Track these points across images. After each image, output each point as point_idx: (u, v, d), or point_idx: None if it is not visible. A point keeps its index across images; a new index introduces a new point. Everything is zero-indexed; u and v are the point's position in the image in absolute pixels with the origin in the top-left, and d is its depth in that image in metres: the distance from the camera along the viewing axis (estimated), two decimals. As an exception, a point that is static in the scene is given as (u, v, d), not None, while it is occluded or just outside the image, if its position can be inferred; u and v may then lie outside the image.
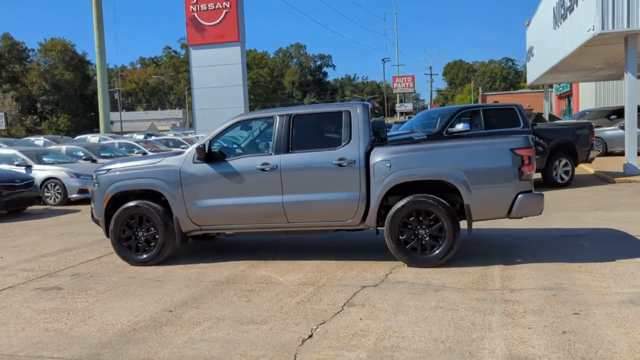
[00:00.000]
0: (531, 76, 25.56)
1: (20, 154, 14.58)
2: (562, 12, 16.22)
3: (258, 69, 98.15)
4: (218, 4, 27.08)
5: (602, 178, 13.60)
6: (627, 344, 3.86)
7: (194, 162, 6.62)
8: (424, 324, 4.43)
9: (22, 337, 4.53)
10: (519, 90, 64.41)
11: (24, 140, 24.48)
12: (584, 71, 21.24)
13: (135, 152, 18.31)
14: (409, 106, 60.43)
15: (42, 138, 25.19)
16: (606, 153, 18.79)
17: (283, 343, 4.18)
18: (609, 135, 18.91)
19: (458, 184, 5.96)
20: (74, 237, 9.06)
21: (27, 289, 6.00)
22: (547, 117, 24.29)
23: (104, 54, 28.14)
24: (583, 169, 15.33)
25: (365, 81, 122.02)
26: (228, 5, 26.96)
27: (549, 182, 12.31)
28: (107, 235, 6.99)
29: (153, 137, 24.42)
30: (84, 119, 70.59)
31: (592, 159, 13.14)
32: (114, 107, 78.47)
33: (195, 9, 27.42)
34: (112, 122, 69.58)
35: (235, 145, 7.01)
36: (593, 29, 12.58)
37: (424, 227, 6.08)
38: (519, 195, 5.95)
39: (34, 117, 68.75)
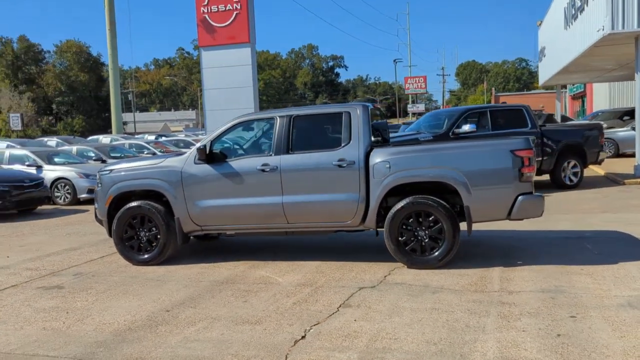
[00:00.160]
0: (543, 77, 25.35)
1: (31, 154, 14.77)
2: (573, 12, 16.07)
3: (270, 70, 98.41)
4: (229, 5, 27.16)
5: (613, 180, 13.44)
6: (621, 348, 3.81)
7: (195, 163, 6.66)
8: (418, 325, 4.41)
9: (20, 336, 4.59)
10: (532, 91, 63.86)
11: (37, 141, 24.79)
12: (596, 72, 21.01)
13: (145, 152, 18.46)
14: (421, 107, 60.16)
15: (54, 139, 25.50)
16: (618, 154, 18.57)
17: (275, 343, 4.19)
18: (620, 137, 18.68)
19: (457, 186, 5.93)
20: (80, 237, 9.16)
21: (29, 288, 6.08)
22: (559, 118, 24.11)
23: (116, 55, 28.40)
24: (593, 170, 15.16)
25: (377, 82, 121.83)
26: (239, 7, 27.02)
27: (557, 184, 12.20)
28: (110, 235, 7.05)
29: (163, 138, 24.60)
30: (99, 119, 71.25)
31: (602, 160, 12.99)
32: (127, 108, 79.21)
33: (206, 11, 27.54)
34: (126, 123, 70.36)
35: (236, 146, 7.04)
36: (603, 29, 12.44)
37: (423, 228, 6.05)
38: (519, 197, 5.90)
39: (50, 118, 69.56)
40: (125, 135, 28.61)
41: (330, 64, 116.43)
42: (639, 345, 3.84)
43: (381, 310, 4.81)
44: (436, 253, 6.01)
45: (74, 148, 17.34)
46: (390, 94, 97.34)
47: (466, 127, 11.20)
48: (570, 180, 12.26)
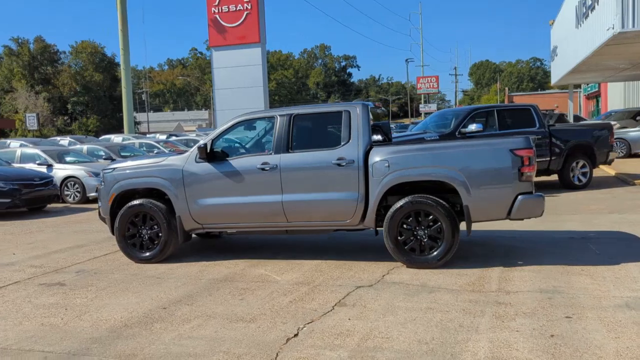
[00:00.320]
0: (555, 76, 25.11)
1: (42, 153, 14.95)
2: (584, 10, 15.90)
3: (283, 70, 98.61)
4: (239, 5, 27.28)
5: (623, 180, 13.27)
6: (615, 349, 3.76)
7: (196, 162, 6.69)
8: (412, 325, 4.40)
9: (18, 331, 4.65)
10: (546, 91, 63.23)
11: (50, 140, 25.10)
12: (608, 71, 20.76)
13: (155, 151, 18.59)
14: (433, 107, 59.91)
15: (67, 138, 25.79)
16: (630, 155, 18.33)
17: (268, 341, 4.20)
18: (632, 137, 18.44)
19: (456, 185, 5.90)
20: (86, 235, 9.26)
21: (31, 285, 6.16)
22: (571, 118, 23.86)
23: (128, 56, 28.66)
24: (604, 170, 14.99)
25: (390, 82, 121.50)
26: (249, 7, 27.14)
27: (565, 184, 12.07)
28: (113, 233, 7.12)
29: (174, 138, 24.77)
30: (113, 119, 71.92)
31: (612, 160, 12.83)
32: (141, 108, 79.82)
33: (217, 11, 27.69)
34: (139, 123, 71.00)
35: (236, 145, 7.07)
36: (613, 28, 12.29)
37: (422, 227, 6.03)
38: (519, 197, 5.85)
39: (65, 117, 70.31)
40: (137, 134, 28.87)
41: (343, 63, 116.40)
42: (633, 347, 3.79)
43: (376, 309, 4.80)
44: (435, 253, 5.98)
45: (85, 147, 17.54)
46: (403, 94, 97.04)
47: (473, 127, 11.12)
48: (579, 181, 12.12)
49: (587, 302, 4.73)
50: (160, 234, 6.83)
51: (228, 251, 7.45)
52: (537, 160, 11.51)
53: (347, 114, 6.36)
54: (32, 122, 51.89)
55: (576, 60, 17.96)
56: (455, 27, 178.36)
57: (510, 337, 4.05)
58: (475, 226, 7.21)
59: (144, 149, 19.04)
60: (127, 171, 7.03)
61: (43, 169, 14.11)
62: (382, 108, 7.44)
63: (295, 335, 4.31)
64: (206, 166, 6.64)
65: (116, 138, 24.58)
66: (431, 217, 5.98)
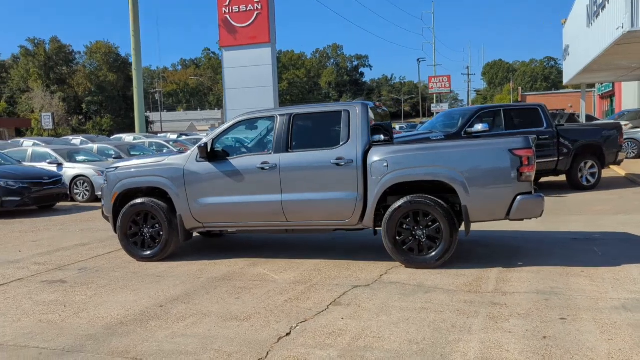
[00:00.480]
0: (567, 75, 24.82)
1: (52, 152, 15.14)
2: (595, 9, 15.70)
3: (295, 70, 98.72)
4: (250, 5, 27.37)
5: (632, 181, 13.11)
6: (607, 351, 3.72)
7: (196, 161, 6.73)
8: (404, 325, 4.39)
9: (16, 328, 4.72)
10: (560, 90, 62.58)
11: (62, 140, 25.40)
12: (620, 70, 20.48)
13: (164, 151, 18.71)
14: (445, 106, 59.62)
15: (79, 137, 26.07)
16: (642, 155, 18.09)
17: (259, 340, 4.22)
18: (645, 137, 18.19)
19: (455, 185, 5.87)
20: (91, 233, 9.36)
21: (34, 282, 6.24)
22: (583, 118, 23.61)
23: (139, 56, 28.90)
24: (614, 171, 14.83)
25: (402, 81, 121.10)
26: (259, 7, 27.21)
27: (573, 184, 11.95)
28: (116, 231, 7.18)
29: (184, 137, 24.93)
30: (126, 119, 72.53)
31: (621, 161, 12.69)
32: (155, 107, 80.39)
33: (227, 11, 27.81)
34: (153, 122, 71.45)
35: (237, 144, 7.11)
36: (622, 27, 12.12)
37: (421, 227, 6.01)
38: (518, 197, 5.80)
39: (80, 117, 71.06)
40: (148, 134, 29.09)
41: (355, 63, 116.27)
42: (625, 349, 3.75)
43: (370, 309, 4.80)
44: (433, 253, 5.96)
45: (95, 146, 17.71)
46: (415, 94, 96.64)
47: (479, 127, 11.04)
48: (588, 181, 11.99)
49: (584, 304, 4.68)
50: (161, 233, 6.89)
51: (229, 250, 7.48)
52: (545, 160, 11.51)
53: (347, 113, 6.36)
54: (47, 121, 52.64)
55: (587, 60, 17.73)
56: (468, 26, 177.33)
57: (502, 338, 4.02)
58: (479, 226, 7.21)
59: (154, 148, 19.19)
60: (129, 170, 7.10)
61: (53, 168, 14.28)
62: (384, 108, 7.42)
63: (288, 334, 4.32)
64: (207, 165, 6.68)
65: (127, 137, 24.80)
66: (430, 217, 5.96)
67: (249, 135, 7.34)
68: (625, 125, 18.76)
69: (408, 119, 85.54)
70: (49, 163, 14.66)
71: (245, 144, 7.14)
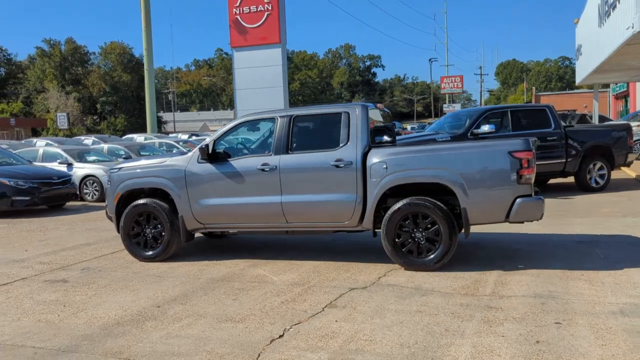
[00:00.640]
0: (580, 75, 24.56)
1: (63, 152, 15.32)
2: (606, 9, 15.52)
3: (307, 70, 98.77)
4: (260, 6, 27.49)
5: (643, 182, 12.94)
6: (599, 356, 3.68)
7: (198, 162, 6.77)
8: (397, 328, 4.38)
9: (14, 327, 4.78)
10: (575, 91, 61.92)
11: (74, 140, 25.67)
12: (634, 70, 20.21)
13: (174, 151, 18.84)
14: (457, 107, 59.31)
15: (91, 137, 26.34)
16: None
17: (252, 342, 4.23)
18: (657, 138, 17.91)
19: (454, 187, 5.84)
20: (98, 233, 9.45)
21: (36, 281, 6.32)
22: (596, 118, 23.34)
23: (151, 57, 29.15)
24: (625, 172, 14.65)
25: (415, 81, 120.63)
26: (270, 8, 27.31)
27: (582, 186, 11.83)
28: (119, 232, 7.25)
29: (194, 137, 25.08)
30: (140, 119, 72.97)
31: (631, 162, 12.51)
32: (168, 108, 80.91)
33: (238, 12, 27.95)
34: (166, 123, 71.86)
35: (238, 146, 7.13)
36: (632, 27, 11.97)
37: (420, 230, 5.99)
38: (517, 199, 5.76)
39: (94, 117, 71.76)
40: (159, 134, 29.31)
41: (368, 63, 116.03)
42: (619, 354, 3.71)
43: (365, 312, 4.79)
44: (432, 255, 5.93)
45: (105, 146, 17.88)
46: (428, 94, 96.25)
47: (485, 128, 10.96)
48: (597, 183, 11.85)
49: (580, 308, 4.63)
50: (163, 233, 6.94)
51: (230, 251, 7.52)
52: (553, 161, 11.40)
53: (347, 115, 6.35)
54: (62, 121, 53.29)
55: (599, 60, 17.54)
56: (481, 26, 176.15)
57: (494, 343, 4.00)
58: (481, 228, 7.19)
59: (164, 148, 19.33)
60: (132, 171, 7.16)
61: (63, 168, 14.46)
62: (386, 109, 7.40)
63: (281, 336, 4.33)
64: (208, 167, 6.72)
65: (139, 137, 25.01)
66: (429, 219, 5.94)
67: (251, 136, 7.36)
68: (638, 125, 18.53)
69: (420, 119, 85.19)
70: (60, 163, 14.84)
71: (247, 146, 7.16)
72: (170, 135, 29.91)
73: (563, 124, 12.21)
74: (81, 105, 67.74)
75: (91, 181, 14.37)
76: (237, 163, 6.63)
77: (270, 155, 6.52)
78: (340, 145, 6.27)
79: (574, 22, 24.95)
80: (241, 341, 4.25)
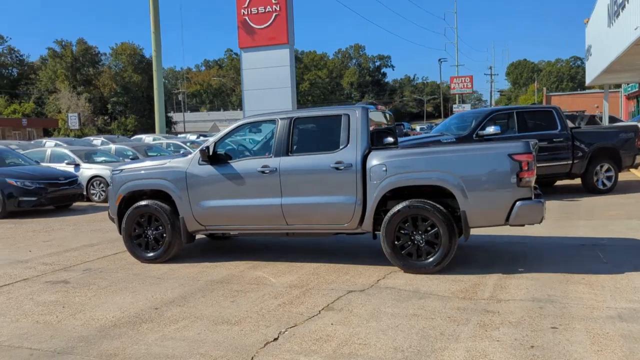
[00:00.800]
0: (590, 76, 24.38)
1: (70, 153, 15.43)
2: (615, 9, 15.39)
3: (317, 70, 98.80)
4: (268, 7, 27.48)
5: (652, 184, 12.79)
6: (594, 363, 3.64)
7: (199, 164, 6.79)
8: (392, 331, 4.36)
9: (12, 328, 4.82)
10: (586, 91, 61.41)
11: (83, 140, 25.87)
12: (644, 70, 20.03)
13: (181, 151, 18.92)
14: (467, 107, 59.02)
15: (100, 138, 26.54)
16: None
17: (246, 345, 4.23)
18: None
19: (454, 190, 5.81)
20: (102, 234, 9.51)
21: (38, 282, 6.37)
22: (606, 119, 23.13)
23: (160, 58, 29.30)
24: (634, 174, 14.50)
25: (425, 82, 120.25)
26: (278, 8, 27.30)
27: (589, 188, 11.71)
28: (120, 233, 7.29)
29: (202, 138, 25.20)
30: (150, 119, 73.06)
31: (639, 164, 12.37)
32: (178, 108, 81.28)
33: (246, 12, 27.96)
34: (176, 123, 72.17)
35: (239, 148, 7.14)
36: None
37: (420, 232, 5.96)
38: (517, 202, 5.71)
39: (105, 117, 72.24)
40: (168, 135, 29.47)
41: (377, 63, 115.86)
42: (614, 361, 3.66)
43: (361, 315, 4.78)
44: (431, 258, 5.90)
45: (113, 147, 18.00)
46: (438, 94, 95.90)
47: (491, 129, 10.90)
48: (604, 185, 11.74)
49: (578, 313, 4.59)
50: (164, 235, 6.96)
51: (231, 252, 7.53)
52: (559, 163, 11.31)
53: (347, 117, 6.34)
54: (73, 121, 53.76)
55: (609, 60, 17.41)
56: (491, 26, 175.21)
57: (488, 347, 3.97)
58: (482, 231, 7.15)
59: (171, 149, 19.42)
60: (134, 173, 7.19)
61: (71, 169, 14.56)
62: (388, 111, 7.38)
63: (275, 339, 4.33)
64: (208, 169, 6.73)
65: (147, 138, 25.16)
66: (428, 222, 5.91)
67: (252, 138, 7.37)
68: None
69: (430, 120, 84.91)
70: (67, 164, 14.95)
71: (248, 147, 7.18)
72: (179, 135, 30.04)
73: (570, 125, 12.11)
74: (92, 105, 68.23)
75: (98, 182, 14.47)
76: (238, 165, 6.64)
77: (271, 157, 6.52)
78: (341, 147, 6.26)
79: (584, 22, 24.76)
80: (235, 344, 4.26)
